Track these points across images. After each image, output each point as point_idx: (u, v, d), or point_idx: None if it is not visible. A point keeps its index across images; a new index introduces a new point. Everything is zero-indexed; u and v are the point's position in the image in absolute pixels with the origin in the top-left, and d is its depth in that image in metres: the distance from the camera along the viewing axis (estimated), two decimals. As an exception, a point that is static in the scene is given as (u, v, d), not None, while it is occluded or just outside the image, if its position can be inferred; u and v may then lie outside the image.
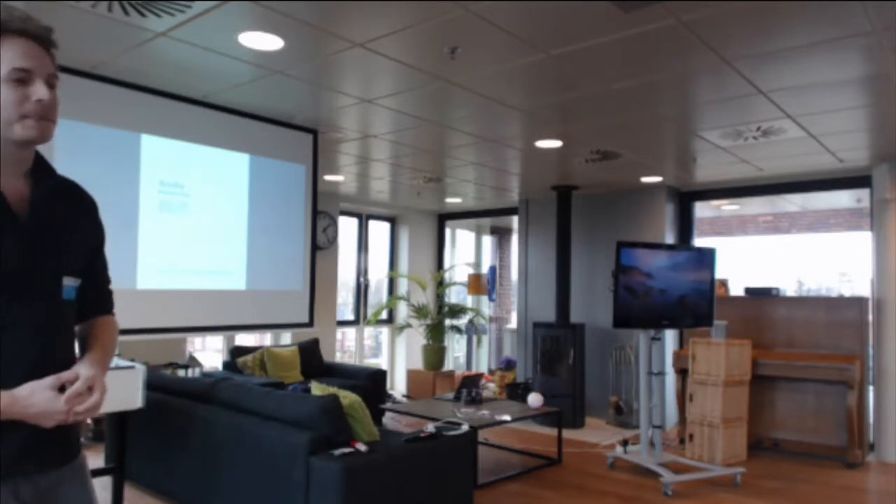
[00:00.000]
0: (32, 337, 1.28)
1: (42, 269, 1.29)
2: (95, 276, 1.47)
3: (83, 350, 1.43)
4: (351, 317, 8.80)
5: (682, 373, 5.99)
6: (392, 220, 9.32)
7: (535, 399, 5.58)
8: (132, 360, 3.72)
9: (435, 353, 8.38)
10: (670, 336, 6.70)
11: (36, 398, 1.21)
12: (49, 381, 1.23)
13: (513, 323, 9.69)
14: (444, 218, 9.57)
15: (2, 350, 1.23)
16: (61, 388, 1.24)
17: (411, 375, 8.47)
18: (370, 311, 8.85)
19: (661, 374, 5.13)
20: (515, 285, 8.57)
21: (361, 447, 3.28)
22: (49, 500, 1.32)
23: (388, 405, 5.91)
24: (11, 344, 1.24)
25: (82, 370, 1.30)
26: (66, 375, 1.26)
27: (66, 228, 1.36)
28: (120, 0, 2.76)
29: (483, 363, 10.04)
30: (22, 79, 1.22)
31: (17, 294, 1.25)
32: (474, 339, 9.84)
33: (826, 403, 5.63)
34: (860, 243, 7.32)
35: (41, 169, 1.35)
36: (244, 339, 6.93)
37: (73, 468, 1.38)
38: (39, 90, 1.24)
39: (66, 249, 1.35)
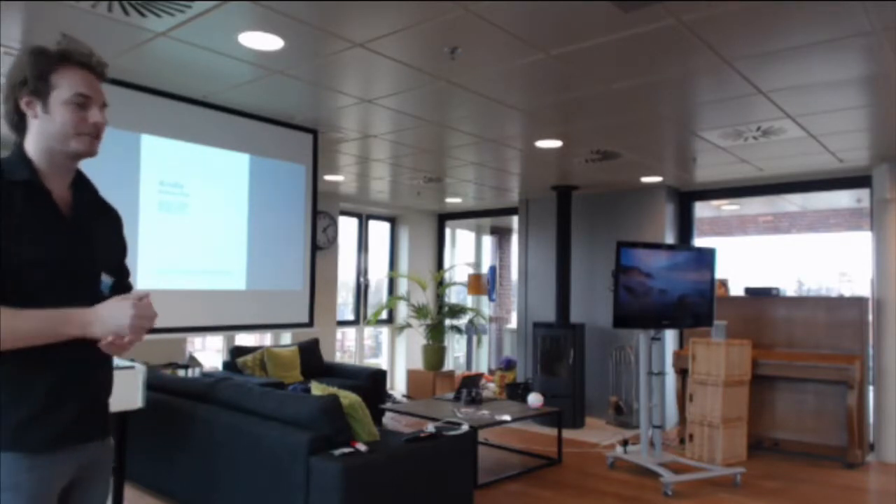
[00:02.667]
0: None
1: (84, 262, 1.50)
2: (123, 281, 1.65)
3: None
4: (351, 317, 8.80)
5: (682, 373, 5.99)
6: (392, 220, 9.32)
7: (535, 399, 5.58)
8: (132, 359, 3.72)
9: (435, 353, 8.38)
10: (670, 336, 6.70)
11: (114, 306, 1.41)
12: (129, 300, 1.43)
13: (513, 323, 9.69)
14: (444, 218, 9.57)
15: None
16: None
17: (411, 375, 8.47)
18: (370, 311, 8.85)
19: (661, 374, 5.14)
20: (515, 285, 8.57)
21: (361, 447, 3.28)
22: (89, 473, 1.53)
23: (388, 405, 5.91)
24: None
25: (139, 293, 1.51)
26: (136, 293, 1.47)
27: (101, 235, 1.58)
28: (120, 0, 2.76)
29: (483, 363, 10.04)
30: (82, 103, 1.47)
31: (64, 282, 1.43)
32: (474, 339, 9.84)
33: (826, 403, 5.63)
34: (860, 243, 7.32)
35: (82, 182, 1.58)
36: (244, 339, 6.93)
37: (104, 445, 1.59)
38: (96, 114, 1.50)
39: (101, 250, 1.57)
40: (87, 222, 1.53)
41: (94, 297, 1.47)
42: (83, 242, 1.50)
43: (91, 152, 1.51)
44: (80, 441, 1.48)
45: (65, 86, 1.45)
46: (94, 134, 1.50)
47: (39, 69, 1.43)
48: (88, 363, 1.48)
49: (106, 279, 1.54)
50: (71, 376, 1.45)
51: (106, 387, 1.59)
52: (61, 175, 1.50)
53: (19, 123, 1.47)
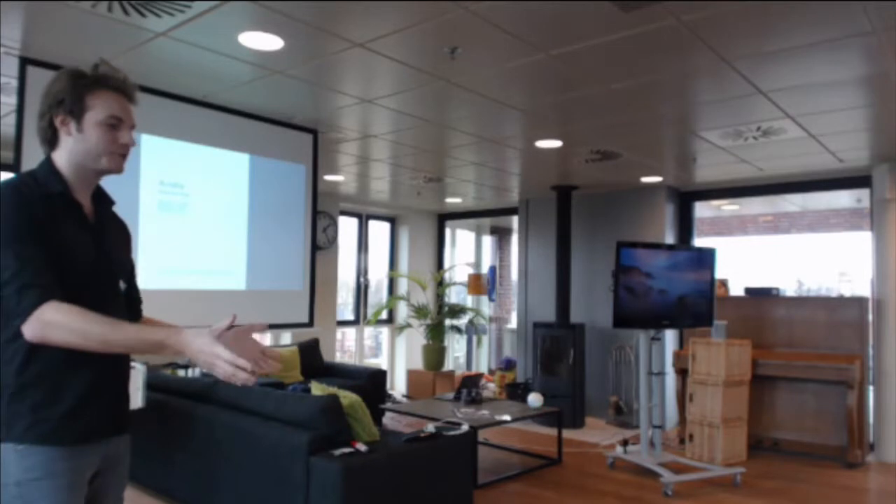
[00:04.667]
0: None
1: (108, 268, 1.62)
2: (134, 292, 1.79)
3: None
4: (351, 317, 8.80)
5: (682, 373, 5.99)
6: (392, 220, 9.32)
7: (535, 399, 5.57)
8: (132, 359, 3.72)
9: (435, 353, 8.38)
10: (670, 336, 6.70)
11: (203, 344, 1.43)
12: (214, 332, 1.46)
13: (513, 323, 9.69)
14: (444, 218, 9.57)
15: None
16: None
17: (411, 375, 8.47)
18: (370, 311, 8.84)
19: (661, 374, 5.14)
20: (515, 285, 8.57)
21: (361, 447, 3.28)
22: (112, 464, 1.63)
23: (388, 405, 5.92)
24: None
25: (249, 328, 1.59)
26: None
27: (117, 244, 1.72)
28: (120, 0, 2.76)
29: (483, 363, 10.04)
30: (115, 125, 1.57)
31: (91, 283, 1.54)
32: (474, 339, 9.84)
33: (826, 403, 5.62)
34: (860, 243, 7.31)
35: (101, 195, 1.70)
36: (244, 339, 6.92)
37: (124, 440, 1.69)
38: (126, 135, 1.60)
39: (119, 258, 1.70)
40: (107, 231, 1.66)
41: (117, 299, 1.64)
42: (106, 250, 1.62)
43: (118, 170, 1.62)
44: (108, 435, 1.59)
45: (99, 107, 1.54)
46: (123, 153, 1.61)
47: (77, 91, 1.53)
48: (118, 361, 1.61)
49: (122, 284, 1.68)
50: (104, 375, 1.56)
51: (128, 383, 1.72)
52: (87, 189, 1.63)
53: (52, 139, 1.57)
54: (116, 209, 1.74)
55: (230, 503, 3.64)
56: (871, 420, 5.65)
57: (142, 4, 2.79)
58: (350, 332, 8.95)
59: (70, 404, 1.49)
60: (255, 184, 4.60)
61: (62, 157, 1.57)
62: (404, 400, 7.84)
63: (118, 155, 1.60)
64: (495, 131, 4.85)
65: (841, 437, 5.49)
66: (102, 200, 1.70)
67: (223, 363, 1.38)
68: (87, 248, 1.56)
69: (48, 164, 1.57)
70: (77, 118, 1.54)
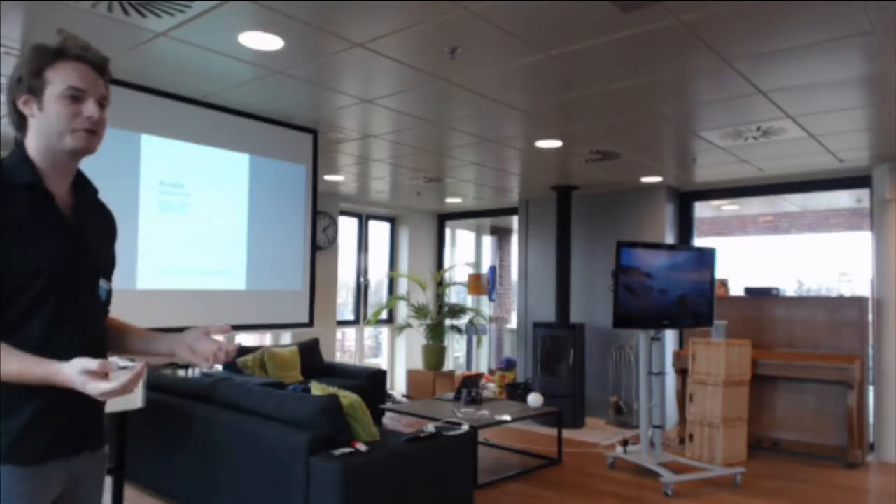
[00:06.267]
0: (76, 330, 1.41)
1: (85, 267, 1.45)
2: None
3: (120, 332, 1.64)
4: (351, 317, 8.80)
5: (682, 373, 5.99)
6: (392, 220, 9.32)
7: (535, 399, 5.57)
8: (132, 359, 3.71)
9: (435, 353, 8.38)
10: (670, 336, 6.70)
11: (78, 375, 1.27)
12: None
13: (513, 323, 9.69)
14: (444, 218, 9.57)
15: (52, 342, 1.36)
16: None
17: (411, 375, 8.47)
18: (370, 311, 8.84)
19: (661, 374, 5.14)
20: (515, 285, 8.57)
21: (361, 447, 3.28)
22: (80, 485, 1.47)
23: (388, 405, 5.92)
24: (58, 337, 1.37)
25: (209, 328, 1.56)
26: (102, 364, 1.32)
27: (100, 239, 1.55)
28: (120, 0, 2.76)
29: (483, 363, 10.04)
30: (76, 97, 1.39)
31: (65, 289, 1.39)
32: (474, 339, 9.84)
33: (826, 403, 5.62)
34: (860, 243, 7.31)
35: (83, 182, 1.52)
36: (244, 339, 6.93)
37: (97, 456, 1.52)
38: (90, 108, 1.41)
39: (101, 255, 1.53)
40: (87, 226, 1.49)
41: (94, 305, 1.47)
42: (84, 247, 1.45)
43: (89, 149, 1.43)
44: (71, 453, 1.43)
45: (58, 80, 1.38)
46: (91, 129, 1.42)
47: (35, 66, 1.38)
48: None
49: (104, 285, 1.50)
50: (63, 390, 1.34)
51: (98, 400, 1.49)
52: (63, 176, 1.45)
53: (20, 123, 1.42)
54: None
55: (230, 503, 3.64)
56: (871, 420, 5.65)
57: (142, 4, 2.79)
58: (350, 332, 8.95)
59: (27, 418, 1.33)
60: (255, 184, 4.60)
61: (32, 143, 1.41)
62: (404, 400, 7.84)
63: (84, 131, 1.40)
64: (495, 131, 4.85)
65: (841, 437, 5.49)
66: (83, 189, 1.52)
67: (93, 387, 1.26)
68: (58, 246, 1.39)
69: (19, 151, 1.41)
70: (38, 96, 1.38)
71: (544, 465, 5.21)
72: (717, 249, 5.37)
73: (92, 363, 1.26)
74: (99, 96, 1.44)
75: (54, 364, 1.28)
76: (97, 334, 1.51)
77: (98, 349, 1.46)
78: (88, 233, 1.48)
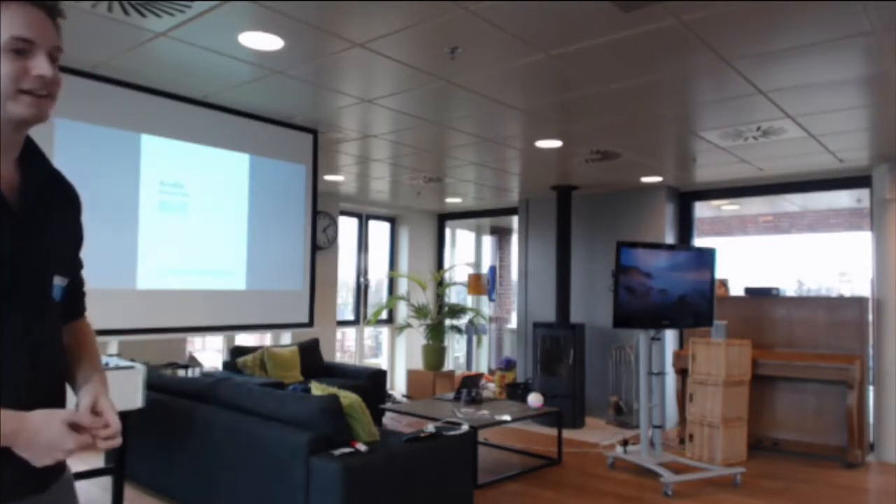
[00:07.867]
0: (22, 340, 1.14)
1: (33, 265, 1.16)
2: (75, 276, 1.33)
3: (73, 362, 1.33)
4: (351, 317, 8.80)
5: (682, 373, 5.99)
6: (392, 220, 9.32)
7: (535, 399, 5.57)
8: (132, 360, 3.72)
9: (435, 353, 8.38)
10: (670, 336, 6.70)
11: (50, 429, 1.07)
12: (65, 414, 1.11)
13: (513, 323, 9.69)
14: (444, 218, 9.57)
15: None
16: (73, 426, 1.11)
17: (411, 375, 8.47)
18: (370, 311, 8.84)
19: (661, 374, 5.14)
20: (515, 285, 8.57)
21: (361, 447, 3.28)
22: None
23: (388, 405, 5.91)
24: (1, 349, 1.11)
25: (103, 402, 1.21)
26: (82, 416, 1.15)
27: (57, 223, 1.23)
28: (120, 0, 2.76)
29: (483, 363, 10.04)
30: (22, 49, 1.09)
31: (7, 293, 1.11)
32: (474, 339, 9.84)
33: (826, 403, 5.63)
34: (860, 243, 7.31)
35: (32, 155, 1.20)
36: (244, 339, 6.93)
37: (62, 484, 1.27)
38: (41, 65, 1.11)
39: (57, 246, 1.23)
40: (37, 210, 1.18)
41: (45, 309, 1.19)
42: (33, 238, 1.16)
43: (40, 116, 1.13)
44: (37, 491, 1.19)
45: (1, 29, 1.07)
46: (42, 91, 1.11)
47: None
48: (45, 399, 1.17)
49: (59, 282, 1.22)
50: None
51: None
52: (6, 151, 1.14)
53: None
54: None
55: (230, 503, 3.64)
56: (871, 420, 5.65)
57: (142, 4, 2.79)
58: (350, 332, 8.95)
59: None
60: (255, 184, 4.60)
61: None
62: (404, 400, 7.83)
63: (33, 95, 1.10)
64: (495, 131, 4.85)
65: (841, 437, 5.49)
66: (34, 162, 1.20)
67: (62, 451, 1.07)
68: None
69: None
70: None
71: (544, 465, 5.21)
72: (717, 249, 5.37)
73: (84, 417, 1.07)
74: (51, 47, 1.15)
75: (16, 414, 1.04)
76: (49, 347, 1.21)
77: (49, 369, 1.20)
78: (39, 218, 1.18)
